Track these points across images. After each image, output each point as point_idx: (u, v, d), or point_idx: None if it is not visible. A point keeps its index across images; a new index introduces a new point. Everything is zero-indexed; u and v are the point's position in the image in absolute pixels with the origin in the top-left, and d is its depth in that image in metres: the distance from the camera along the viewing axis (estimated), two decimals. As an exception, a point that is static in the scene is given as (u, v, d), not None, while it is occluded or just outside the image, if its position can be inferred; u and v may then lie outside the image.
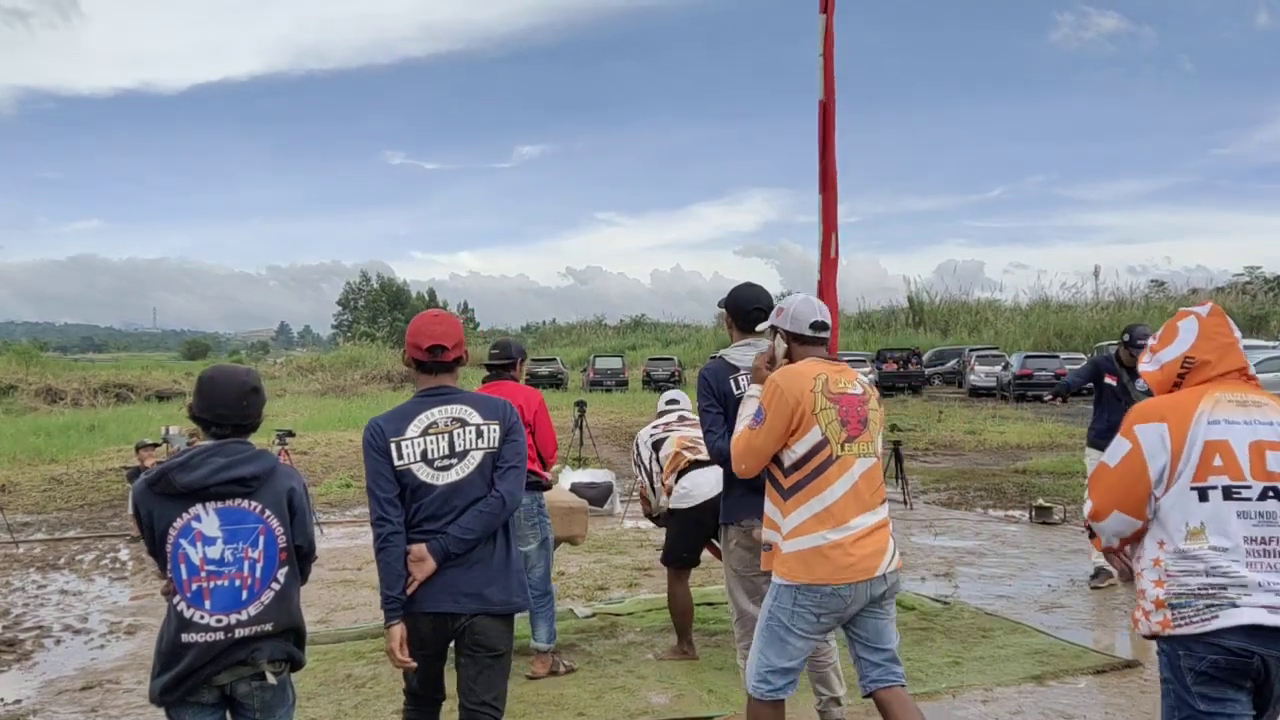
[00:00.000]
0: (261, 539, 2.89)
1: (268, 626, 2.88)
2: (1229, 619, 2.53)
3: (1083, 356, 35.22)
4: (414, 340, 3.25)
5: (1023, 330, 48.56)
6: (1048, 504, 9.82)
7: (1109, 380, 6.81)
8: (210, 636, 2.81)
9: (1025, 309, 54.17)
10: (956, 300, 56.62)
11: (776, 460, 3.35)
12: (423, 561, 3.11)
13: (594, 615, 6.31)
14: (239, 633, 2.84)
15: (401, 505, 3.15)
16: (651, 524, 6.61)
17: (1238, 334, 2.81)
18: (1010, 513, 10.41)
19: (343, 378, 41.07)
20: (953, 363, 40.90)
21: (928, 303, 56.38)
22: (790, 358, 3.53)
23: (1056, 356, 32.66)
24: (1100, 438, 6.46)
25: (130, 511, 9.47)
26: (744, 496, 3.91)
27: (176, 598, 2.84)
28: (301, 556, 3.02)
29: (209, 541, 2.84)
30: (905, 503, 10.80)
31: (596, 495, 10.00)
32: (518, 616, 3.41)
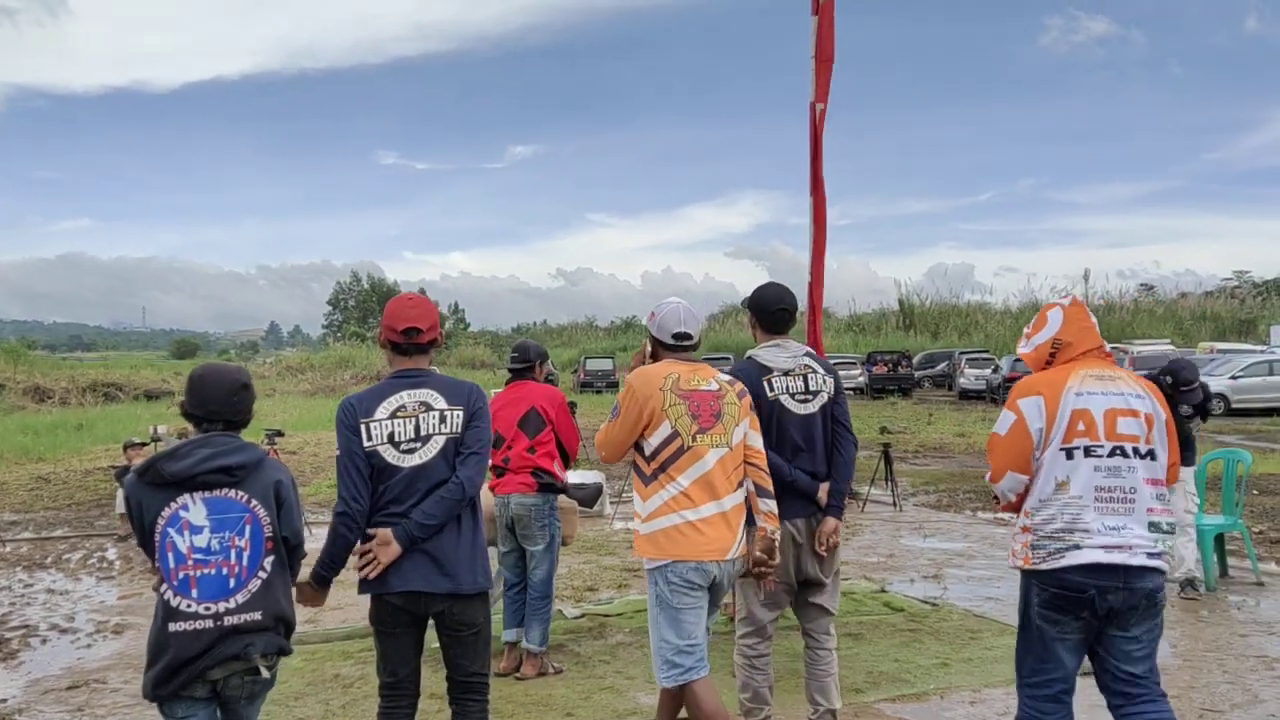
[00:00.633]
0: (248, 528, 2.92)
1: (256, 615, 2.90)
2: (1073, 559, 3.09)
3: (1072, 360, 35.38)
4: (389, 323, 3.35)
5: (1013, 333, 48.61)
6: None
7: None
8: (198, 624, 2.83)
9: (1015, 312, 54.31)
10: (947, 303, 56.80)
11: (640, 450, 3.61)
12: (388, 545, 3.19)
13: (583, 616, 6.31)
14: (227, 620, 2.86)
15: (369, 484, 3.23)
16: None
17: (1094, 320, 3.39)
18: (999, 515, 10.41)
19: (333, 378, 41.00)
20: (943, 365, 41.00)
21: (918, 305, 56.51)
22: (655, 359, 3.80)
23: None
24: None
25: (119, 510, 9.43)
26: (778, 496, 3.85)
27: (164, 587, 2.86)
28: (289, 549, 3.04)
29: (196, 530, 2.86)
30: (894, 505, 10.82)
31: (586, 496, 9.98)
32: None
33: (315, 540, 3.40)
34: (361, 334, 69.39)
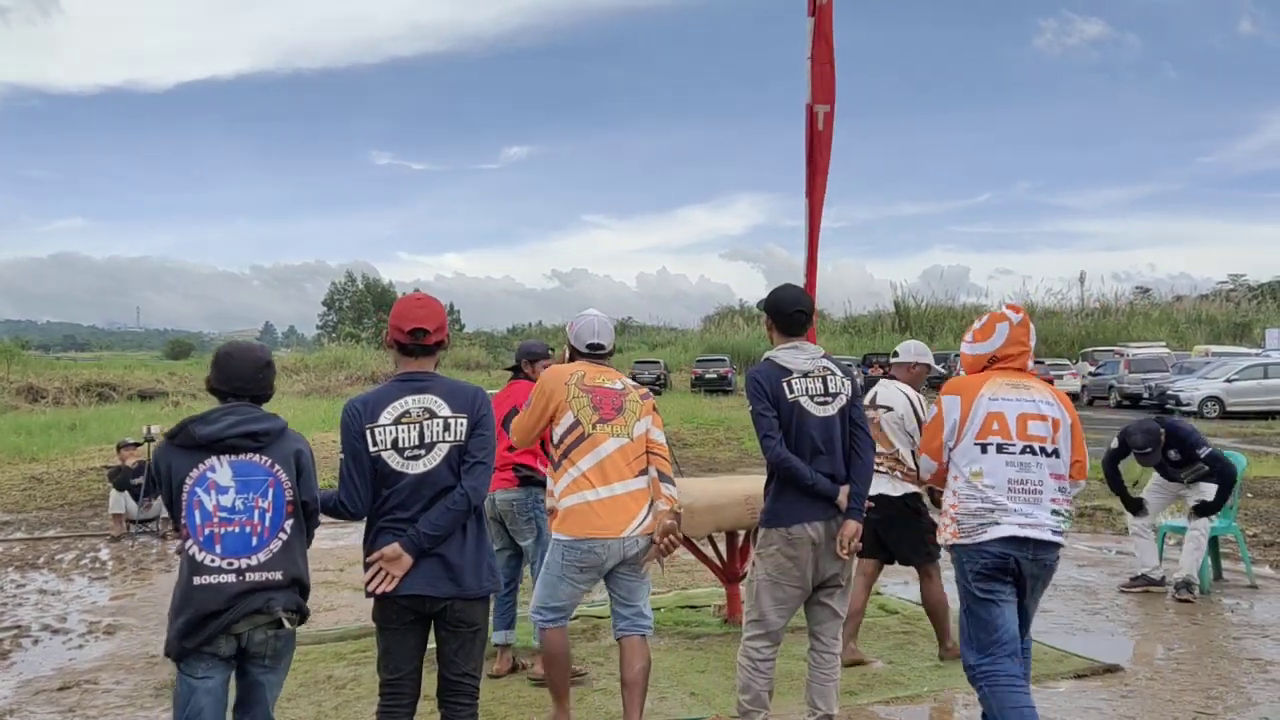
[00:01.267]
0: (271, 491, 3.09)
1: (277, 575, 3.05)
2: (994, 533, 3.63)
3: (1067, 362, 35.46)
4: (396, 323, 3.36)
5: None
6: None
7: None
8: (222, 579, 2.98)
9: (1011, 315, 54.28)
10: (942, 305, 56.85)
11: (551, 438, 4.08)
12: (399, 559, 3.21)
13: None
14: (249, 577, 3.01)
15: (372, 489, 3.27)
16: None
17: (1032, 339, 3.92)
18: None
19: (327, 378, 40.94)
20: (939, 368, 41.04)
21: (914, 308, 56.57)
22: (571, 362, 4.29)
23: (1042, 362, 32.75)
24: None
25: (112, 510, 9.42)
26: (795, 501, 3.87)
27: (189, 543, 3.01)
28: (307, 514, 3.19)
29: (222, 490, 3.03)
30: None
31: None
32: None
33: (320, 541, 3.38)
34: (356, 335, 69.31)
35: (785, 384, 3.91)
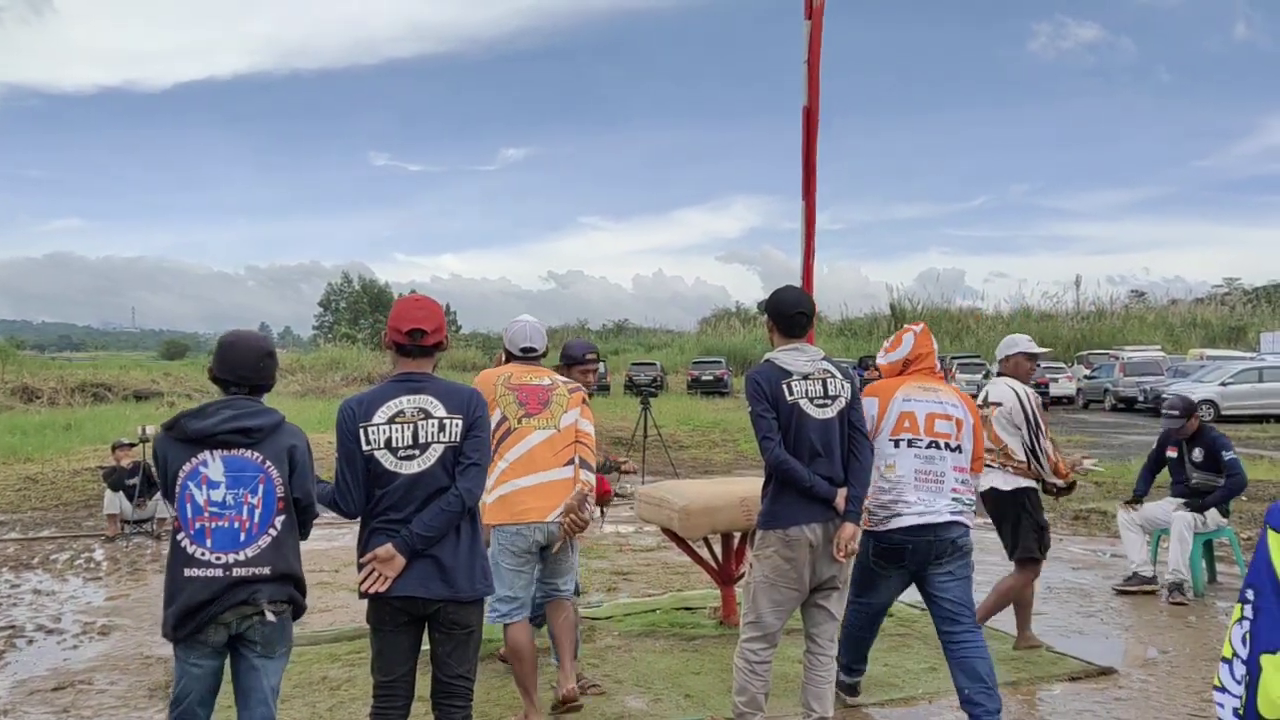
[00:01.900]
0: (261, 487, 3.10)
1: (265, 570, 3.08)
2: (895, 524, 4.19)
3: (1064, 366, 35.49)
4: (394, 323, 3.37)
5: (1004, 338, 48.76)
6: (1026, 511, 9.84)
7: (1170, 453, 7.24)
8: (210, 572, 3.02)
9: (1007, 318, 54.48)
10: (939, 308, 56.89)
11: None
12: (392, 560, 3.22)
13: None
14: (236, 572, 3.04)
15: (365, 489, 3.28)
16: (630, 528, 6.56)
17: (934, 345, 4.55)
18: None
19: (323, 379, 40.94)
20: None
21: (910, 310, 56.59)
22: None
23: (1037, 365, 32.78)
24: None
25: (106, 511, 9.37)
26: (793, 503, 3.88)
27: (180, 535, 3.05)
28: (301, 509, 3.21)
29: (213, 485, 3.06)
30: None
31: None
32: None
33: (305, 542, 3.37)
34: (352, 335, 69.23)
35: (785, 386, 3.91)
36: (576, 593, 4.76)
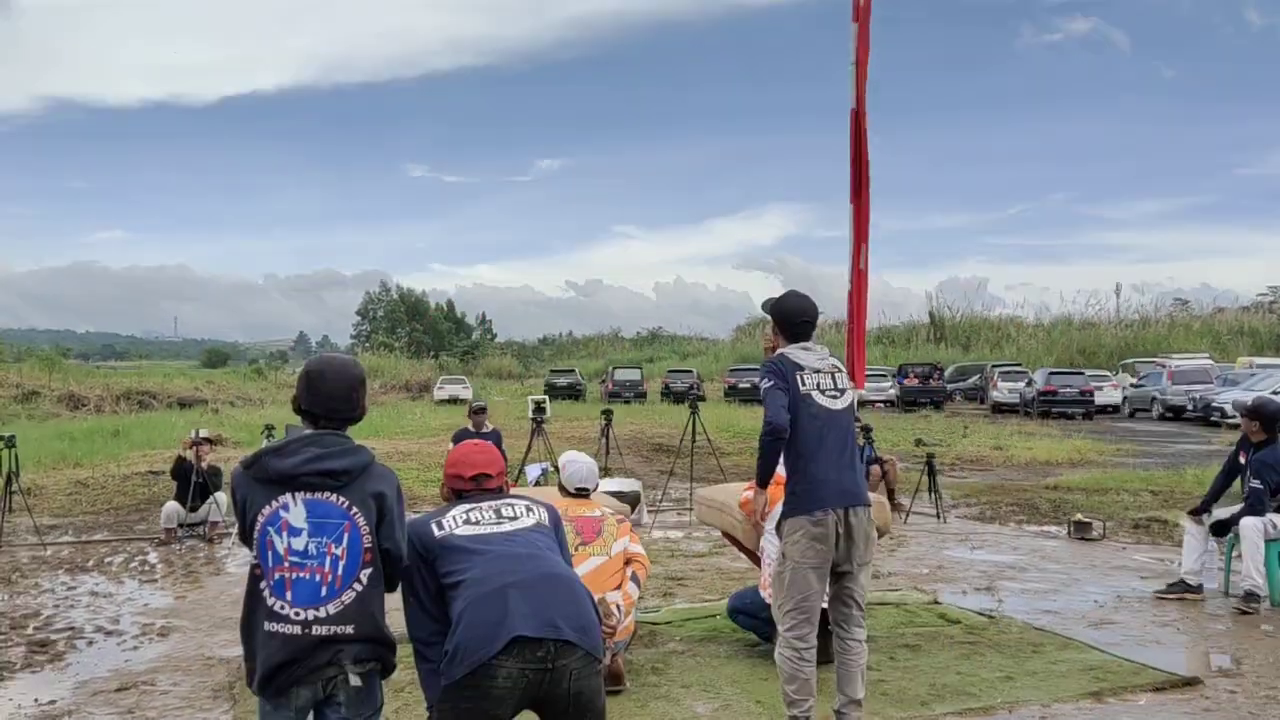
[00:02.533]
0: (346, 536, 2.79)
1: (349, 629, 2.77)
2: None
3: (1108, 373, 34.93)
4: (456, 470, 3.25)
5: (1045, 347, 48.22)
6: (1086, 519, 9.64)
7: (1242, 459, 7.00)
8: (289, 629, 2.73)
9: (1048, 326, 53.80)
10: (978, 316, 56.36)
11: None
12: None
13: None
14: (316, 630, 2.74)
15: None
16: (680, 533, 6.54)
17: None
18: (1045, 528, 10.24)
19: (363, 387, 41.17)
20: (974, 379, 40.61)
21: (949, 318, 56.11)
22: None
23: (1081, 373, 32.28)
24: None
25: (164, 525, 9.40)
26: (816, 487, 3.99)
27: (262, 583, 2.77)
28: (389, 561, 2.89)
29: (295, 532, 2.76)
30: (938, 516, 10.65)
31: (625, 503, 9.88)
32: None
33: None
34: (390, 344, 69.82)
35: (799, 377, 4.06)
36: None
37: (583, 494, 5.14)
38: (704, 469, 12.76)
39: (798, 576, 4.00)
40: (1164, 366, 31.56)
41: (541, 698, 2.86)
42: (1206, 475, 10.17)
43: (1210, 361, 33.14)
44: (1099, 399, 30.78)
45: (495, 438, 10.69)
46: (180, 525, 9.73)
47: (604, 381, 42.65)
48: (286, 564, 2.75)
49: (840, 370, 4.18)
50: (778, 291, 4.46)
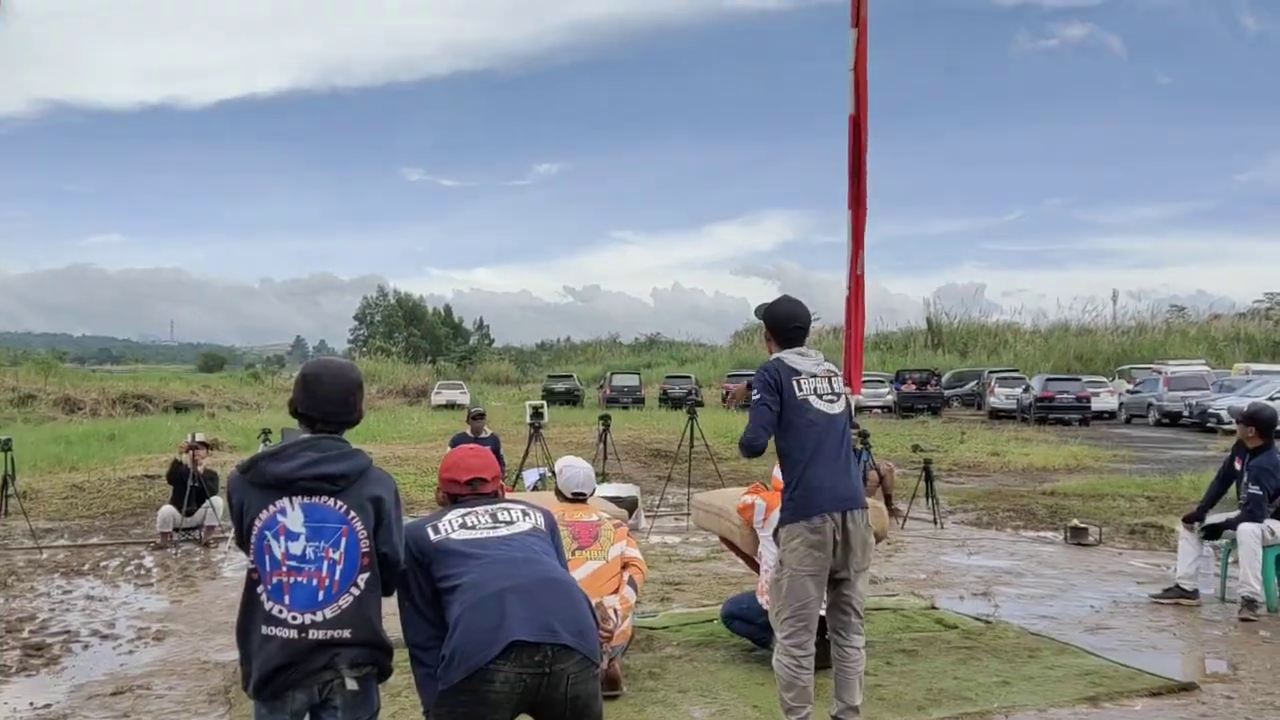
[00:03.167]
0: (344, 540, 2.77)
1: (345, 633, 2.75)
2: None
3: (1105, 380, 34.98)
4: (451, 474, 3.25)
5: (1042, 353, 48.32)
6: (1083, 525, 9.65)
7: (1237, 464, 7.00)
8: (286, 633, 2.72)
9: (1045, 332, 53.89)
10: (976, 322, 56.46)
11: None
12: None
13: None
14: (313, 634, 2.72)
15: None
16: (678, 538, 6.55)
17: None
18: (1042, 533, 10.24)
19: (360, 391, 41.14)
20: (972, 384, 40.67)
21: (946, 324, 56.19)
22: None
23: (1078, 379, 32.32)
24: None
25: (159, 529, 9.38)
26: (812, 493, 3.98)
27: (259, 588, 2.76)
28: (386, 566, 2.87)
29: (292, 537, 2.75)
30: (935, 522, 10.65)
31: (623, 508, 9.88)
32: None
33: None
34: (387, 349, 69.76)
35: (795, 382, 4.06)
36: None
37: (580, 499, 5.14)
38: (702, 474, 12.75)
39: (795, 584, 4.00)
40: (1160, 373, 31.65)
41: (539, 702, 2.85)
42: (1202, 481, 10.18)
43: (1206, 368, 33.25)
44: (1095, 405, 30.82)
45: (493, 443, 10.69)
46: (176, 529, 9.71)
47: (602, 387, 42.64)
48: (284, 568, 2.74)
49: (836, 375, 4.18)
50: (774, 296, 4.46)
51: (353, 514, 2.79)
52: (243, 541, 2.81)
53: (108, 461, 17.74)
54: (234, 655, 3.07)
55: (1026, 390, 31.86)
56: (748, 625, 5.47)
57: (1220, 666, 5.50)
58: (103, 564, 8.80)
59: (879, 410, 34.65)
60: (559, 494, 5.21)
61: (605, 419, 12.82)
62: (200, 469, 9.84)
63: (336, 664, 2.74)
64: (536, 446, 12.43)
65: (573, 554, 4.67)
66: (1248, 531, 6.59)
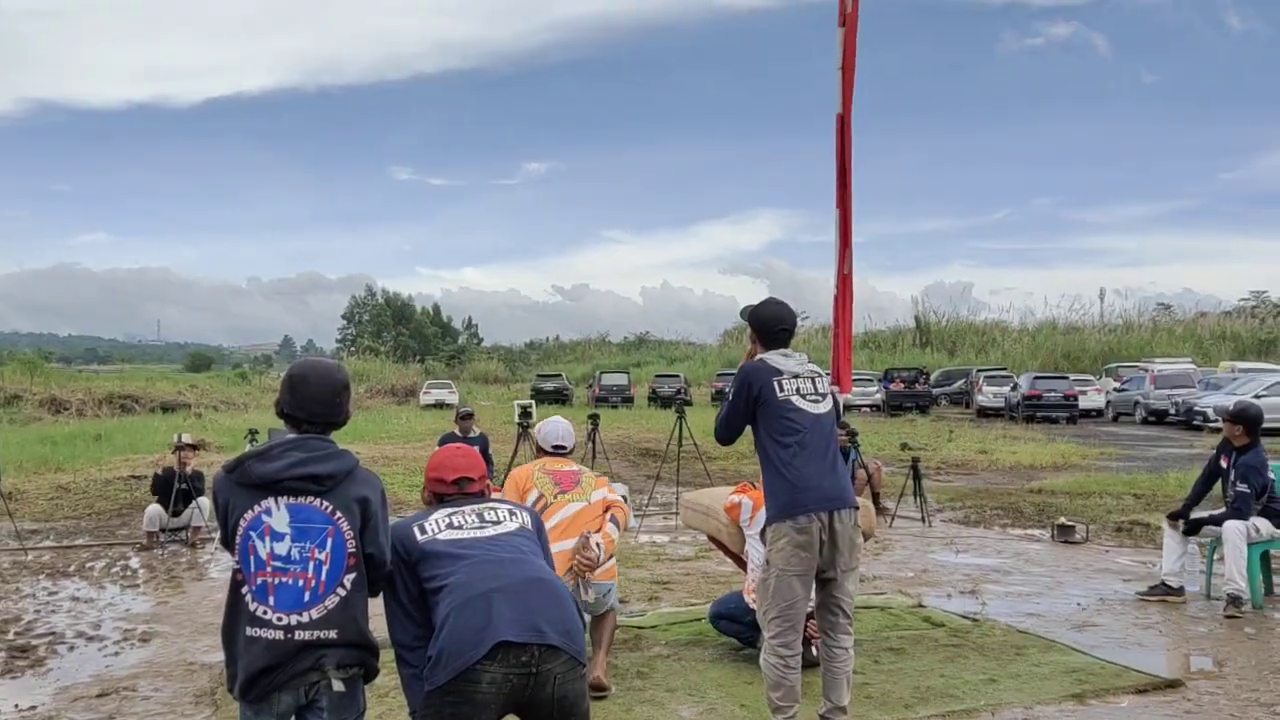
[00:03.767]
0: (330, 541, 2.76)
1: (331, 634, 2.74)
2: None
3: (1092, 378, 35.13)
4: (438, 474, 3.24)
5: (1030, 351, 48.49)
6: (1070, 523, 9.69)
7: (1223, 463, 7.00)
8: (271, 634, 2.70)
9: (1033, 330, 54.10)
10: (964, 321, 56.64)
11: None
12: None
13: (618, 628, 6.18)
14: (299, 635, 2.70)
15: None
16: (666, 537, 6.55)
17: None
18: (1030, 531, 10.28)
19: (348, 391, 41.03)
20: (960, 383, 40.80)
21: (934, 323, 56.34)
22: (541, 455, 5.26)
23: (1066, 378, 32.46)
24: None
25: (146, 529, 9.35)
26: (795, 493, 3.99)
27: (244, 589, 2.74)
28: (372, 566, 2.86)
29: (277, 537, 2.73)
30: (923, 520, 10.68)
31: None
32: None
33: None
34: (375, 348, 69.57)
35: (776, 382, 4.09)
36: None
37: (560, 451, 5.17)
38: (690, 473, 12.77)
39: (782, 584, 4.00)
40: (1147, 371, 31.79)
41: (525, 702, 2.85)
42: (1188, 479, 10.23)
43: (1193, 366, 33.41)
44: (1083, 403, 30.96)
45: (482, 443, 10.67)
46: (162, 530, 9.67)
47: (591, 386, 42.64)
48: (269, 569, 2.72)
49: (820, 375, 4.19)
50: (762, 297, 4.48)
51: (339, 514, 2.78)
52: (228, 542, 2.80)
53: (94, 462, 17.65)
54: (220, 656, 3.05)
55: (1014, 388, 31.96)
56: (735, 625, 5.47)
57: (1206, 663, 5.53)
58: (88, 565, 8.76)
59: (867, 409, 34.73)
60: (539, 450, 5.27)
61: (594, 418, 12.80)
62: (187, 469, 9.80)
63: (323, 665, 2.73)
64: (525, 446, 12.43)
65: (555, 498, 4.81)
66: (1233, 529, 6.63)
